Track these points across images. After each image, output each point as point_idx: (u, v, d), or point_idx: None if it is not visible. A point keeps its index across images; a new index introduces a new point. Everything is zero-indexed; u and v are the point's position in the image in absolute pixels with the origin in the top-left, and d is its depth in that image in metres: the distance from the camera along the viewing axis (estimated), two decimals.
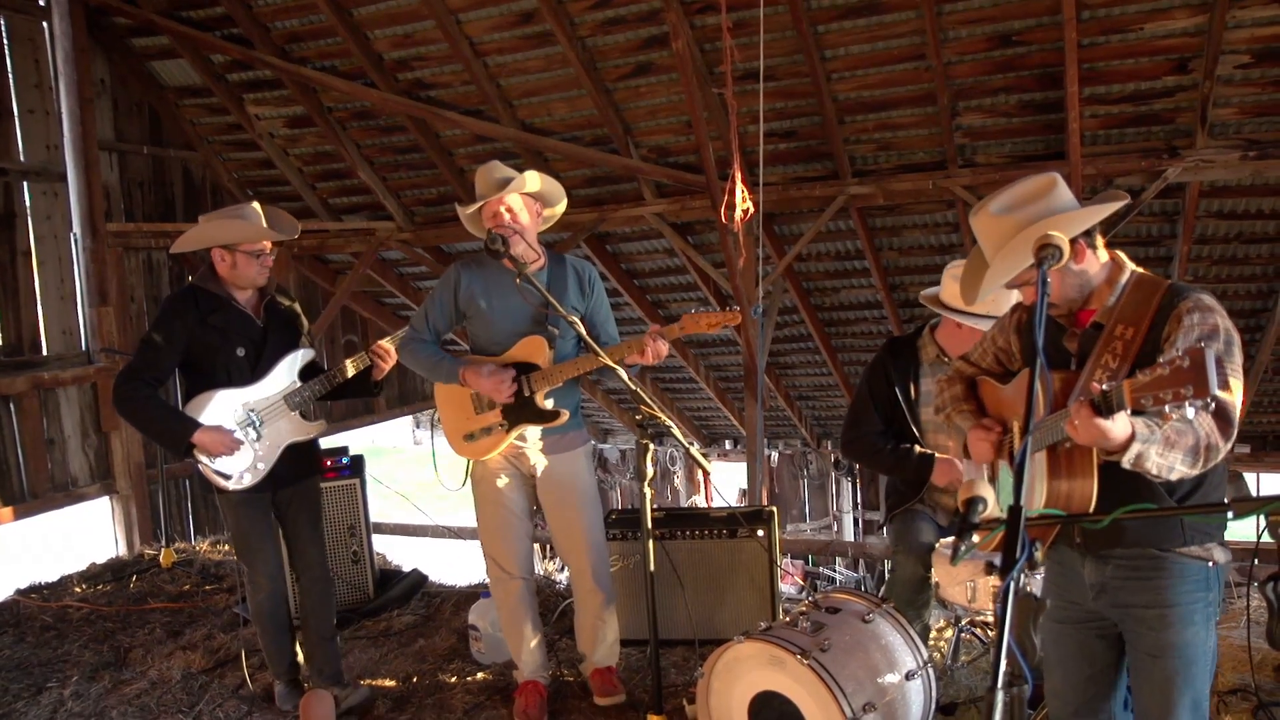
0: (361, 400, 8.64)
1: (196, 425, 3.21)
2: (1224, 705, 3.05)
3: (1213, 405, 1.57)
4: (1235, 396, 1.87)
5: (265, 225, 3.33)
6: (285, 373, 3.40)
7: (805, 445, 9.50)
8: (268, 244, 3.32)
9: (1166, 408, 1.60)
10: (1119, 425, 1.76)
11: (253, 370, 3.34)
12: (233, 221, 3.32)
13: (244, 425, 3.31)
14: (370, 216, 7.35)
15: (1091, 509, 1.95)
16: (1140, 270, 2.11)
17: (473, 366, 3.18)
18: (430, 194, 7.04)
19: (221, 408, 3.28)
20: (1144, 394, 1.63)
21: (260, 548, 3.42)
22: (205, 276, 3.35)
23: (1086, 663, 2.19)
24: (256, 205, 3.40)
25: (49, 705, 3.72)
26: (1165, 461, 1.83)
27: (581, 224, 6.60)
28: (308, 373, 3.46)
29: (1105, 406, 1.72)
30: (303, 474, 3.48)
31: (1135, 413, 1.71)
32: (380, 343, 3.41)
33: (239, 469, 3.29)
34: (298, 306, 3.56)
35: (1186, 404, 1.57)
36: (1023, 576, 1.52)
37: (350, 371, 3.45)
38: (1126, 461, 1.81)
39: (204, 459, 3.24)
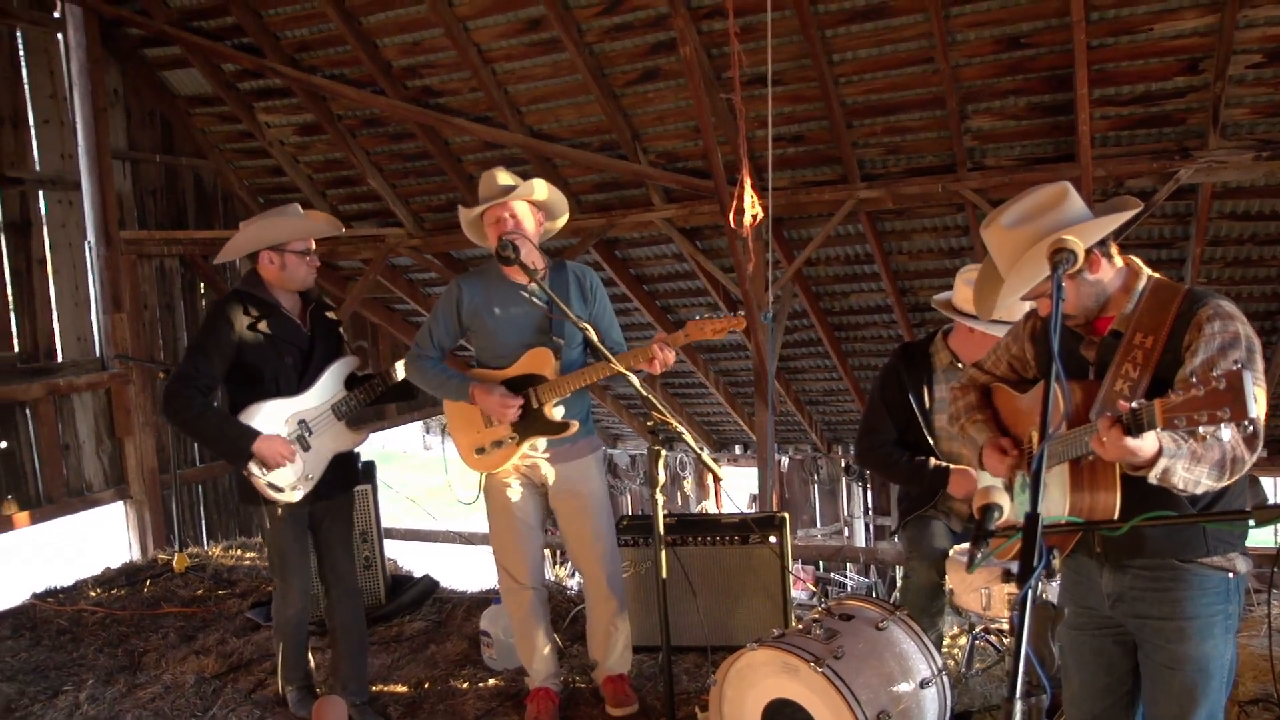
0: (372, 406, 8.63)
1: (256, 434, 3.12)
2: (1245, 715, 3.02)
3: (1250, 428, 1.55)
4: (1260, 406, 1.84)
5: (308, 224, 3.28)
6: (332, 382, 3.34)
7: (815, 450, 9.47)
8: (313, 242, 3.26)
9: (1200, 429, 1.58)
10: (1147, 443, 1.73)
11: (300, 380, 3.28)
12: (279, 220, 3.24)
13: (294, 437, 3.22)
14: (380, 223, 7.38)
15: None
16: (1156, 275, 2.08)
17: (481, 385, 3.18)
18: (439, 200, 7.06)
19: (272, 419, 3.20)
20: (1177, 414, 1.60)
21: (298, 565, 3.36)
22: (251, 282, 3.26)
23: (1104, 670, 2.17)
24: (297, 205, 3.35)
25: (65, 709, 3.74)
26: (1191, 476, 1.81)
27: (590, 229, 6.61)
28: (351, 381, 3.41)
29: (1135, 425, 1.69)
30: (342, 486, 3.43)
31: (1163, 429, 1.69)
32: None
33: (290, 481, 3.21)
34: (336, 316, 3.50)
35: (1222, 426, 1.55)
36: (1040, 584, 1.51)
37: (400, 375, 3.40)
38: (1153, 477, 1.79)
39: (257, 470, 3.15)
